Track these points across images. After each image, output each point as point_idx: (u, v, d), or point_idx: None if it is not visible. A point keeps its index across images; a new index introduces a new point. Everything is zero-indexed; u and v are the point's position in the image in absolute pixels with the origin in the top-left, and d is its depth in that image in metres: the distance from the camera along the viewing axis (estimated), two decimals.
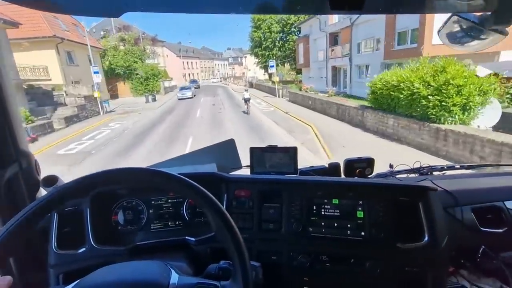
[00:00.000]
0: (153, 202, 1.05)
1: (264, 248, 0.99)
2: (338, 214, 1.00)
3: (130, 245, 0.91)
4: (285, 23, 33.83)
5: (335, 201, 1.01)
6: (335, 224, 0.99)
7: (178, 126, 13.47)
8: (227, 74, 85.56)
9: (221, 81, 66.73)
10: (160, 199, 1.05)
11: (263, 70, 41.03)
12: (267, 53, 36.41)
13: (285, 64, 37.41)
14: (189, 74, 66.02)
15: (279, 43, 35.96)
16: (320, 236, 0.99)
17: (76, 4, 0.72)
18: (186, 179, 0.54)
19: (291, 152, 1.17)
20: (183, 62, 63.83)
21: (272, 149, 1.18)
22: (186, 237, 0.95)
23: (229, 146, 1.35)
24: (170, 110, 19.79)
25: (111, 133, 13.02)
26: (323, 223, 1.00)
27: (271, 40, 35.53)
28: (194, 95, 29.71)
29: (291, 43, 34.56)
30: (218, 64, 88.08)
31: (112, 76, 31.83)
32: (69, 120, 15.61)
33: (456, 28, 0.72)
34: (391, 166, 1.31)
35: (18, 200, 0.88)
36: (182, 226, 1.05)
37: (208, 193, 0.55)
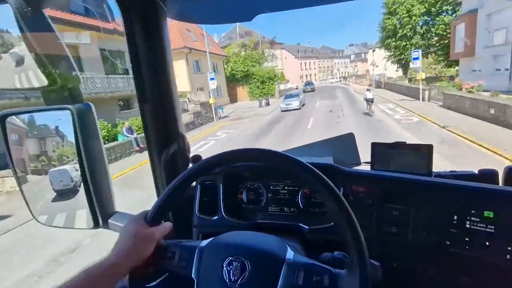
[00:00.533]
0: (271, 187, 1.10)
1: (383, 251, 0.86)
2: (492, 231, 0.76)
3: (252, 221, 1.00)
4: (433, 1, 25.84)
5: (488, 213, 0.77)
6: (487, 243, 0.76)
7: (282, 141, 10.95)
8: (348, 72, 78.16)
9: (340, 81, 61.14)
10: (278, 185, 1.10)
11: (396, 66, 33.47)
12: (404, 43, 29.10)
13: (428, 56, 28.89)
14: (306, 75, 63.82)
15: (421, 29, 28.00)
16: (462, 254, 0.79)
17: (215, 14, 1.01)
18: (310, 166, 0.55)
19: (425, 151, 0.96)
20: (301, 63, 62.19)
21: (400, 146, 1.02)
22: (300, 224, 0.96)
23: (348, 140, 1.28)
24: (279, 118, 17.80)
25: (216, 145, 11.97)
26: (467, 239, 0.79)
27: (410, 26, 28.10)
28: (303, 104, 22.61)
29: (440, 26, 26.04)
30: (338, 63, 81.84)
31: (232, 81, 33.30)
32: (186, 128, 15.89)
33: None
34: None
35: (175, 170, 1.04)
36: (296, 213, 1.06)
37: (332, 184, 0.54)
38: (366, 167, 1.09)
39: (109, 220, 0.86)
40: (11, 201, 7.95)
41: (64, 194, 0.85)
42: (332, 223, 0.87)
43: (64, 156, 0.82)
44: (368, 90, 14.92)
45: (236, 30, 39.41)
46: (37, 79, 0.74)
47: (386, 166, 1.03)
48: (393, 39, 29.63)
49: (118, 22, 1.02)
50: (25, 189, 0.86)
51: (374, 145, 1.06)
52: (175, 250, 0.63)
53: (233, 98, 33.66)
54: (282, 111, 20.51)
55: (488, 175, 1.03)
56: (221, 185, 1.06)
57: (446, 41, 25.20)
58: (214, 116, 19.93)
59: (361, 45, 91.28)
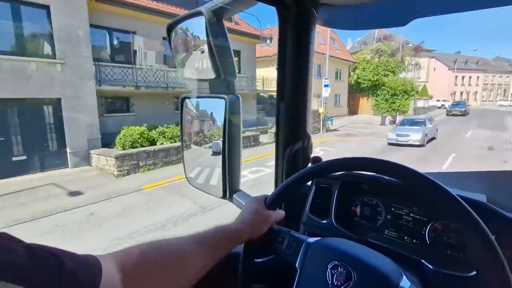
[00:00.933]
0: (393, 209, 0.99)
1: None
2: None
3: (362, 238, 0.93)
4: None
5: None
6: None
7: None
8: None
9: None
10: (402, 209, 0.97)
11: None
12: None
13: None
14: (461, 93, 49.79)
15: None
16: None
17: (366, 19, 1.02)
18: (461, 200, 0.48)
19: None
20: (456, 77, 48.97)
21: None
22: (423, 260, 0.83)
23: (510, 178, 1.14)
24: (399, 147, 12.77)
25: None
26: None
27: None
28: (432, 139, 14.33)
29: None
30: None
31: (356, 90, 29.46)
32: None
33: None
34: None
35: (297, 167, 1.08)
36: (419, 247, 0.91)
37: (485, 227, 0.46)
38: None
39: (234, 195, 0.99)
40: (105, 176, 8.77)
41: (216, 154, 1.04)
42: (474, 273, 0.70)
43: (212, 136, 1.09)
44: None
45: (374, 34, 34.62)
46: (208, 73, 0.97)
47: None
48: None
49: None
50: (185, 155, 1.18)
51: None
52: (285, 237, 0.67)
53: (353, 110, 29.83)
54: (390, 143, 13.40)
55: None
56: (336, 191, 1.03)
57: None
58: (321, 127, 17.59)
59: None
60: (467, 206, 0.48)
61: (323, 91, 17.27)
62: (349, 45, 37.97)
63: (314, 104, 19.16)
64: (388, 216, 0.97)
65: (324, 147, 12.88)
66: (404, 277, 0.55)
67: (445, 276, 0.77)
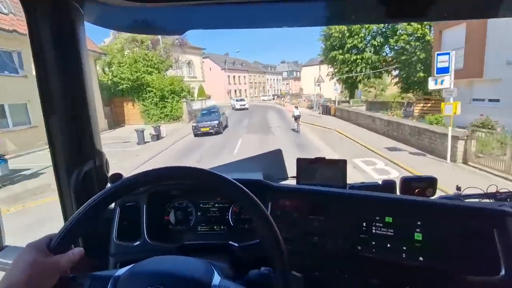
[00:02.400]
0: (201, 205, 1.08)
1: (307, 262, 0.95)
2: (392, 234, 0.90)
3: (179, 244, 0.96)
4: None
5: (388, 219, 0.91)
6: (388, 245, 0.90)
7: None
8: (281, 90, 73.07)
9: (273, 98, 52.51)
10: (208, 203, 1.08)
11: (341, 86, 26.84)
12: (353, 57, 22.38)
13: (385, 75, 22.77)
14: (235, 91, 54.52)
15: (376, 41, 21.66)
16: (370, 257, 0.91)
17: (139, 24, 0.96)
18: (239, 184, 0.56)
19: (340, 165, 1.11)
20: (229, 76, 52.65)
21: (320, 161, 1.13)
22: (230, 242, 0.97)
23: (276, 156, 1.35)
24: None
25: None
26: (374, 243, 0.91)
27: (362, 35, 21.43)
28: (226, 126, 17.38)
29: (402, 37, 19.77)
30: (271, 79, 72.37)
31: (116, 93, 21.23)
32: None
33: None
34: (458, 188, 1.16)
35: (90, 192, 0.93)
36: (226, 231, 1.07)
37: (258, 201, 0.55)
38: (293, 182, 1.15)
39: None
40: None
41: None
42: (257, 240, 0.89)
43: None
44: (296, 107, 15.67)
45: None
46: None
47: (310, 180, 1.11)
48: (340, 51, 22.69)
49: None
50: None
51: (299, 161, 1.13)
52: (84, 282, 0.53)
53: (118, 120, 21.52)
54: (195, 135, 15.16)
55: (388, 185, 1.15)
56: (144, 206, 1.00)
57: (407, 56, 19.03)
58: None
59: (293, 63, 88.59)
60: (242, 187, 0.55)
61: None
62: (111, 37, 28.61)
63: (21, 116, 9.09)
64: (198, 213, 1.07)
65: None
66: (215, 273, 0.56)
67: (247, 248, 0.92)
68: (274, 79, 71.14)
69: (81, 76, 0.91)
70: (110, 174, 1.03)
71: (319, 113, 21.96)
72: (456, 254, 0.84)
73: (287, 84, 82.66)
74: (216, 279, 0.55)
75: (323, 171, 1.11)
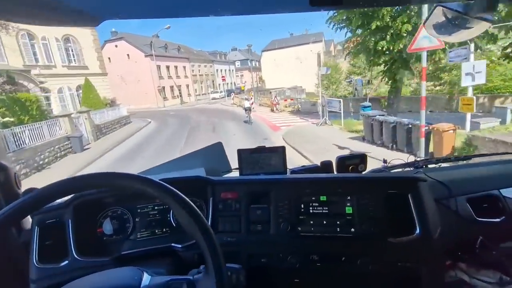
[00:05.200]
0: (139, 210, 1.03)
1: (253, 251, 0.99)
2: (327, 211, 0.98)
3: (115, 255, 0.90)
4: None
5: (323, 198, 0.98)
6: (324, 222, 0.97)
7: None
8: (235, 84, 58.20)
9: (228, 96, 34.22)
10: (147, 207, 1.03)
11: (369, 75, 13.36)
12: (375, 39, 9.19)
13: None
14: (171, 87, 38.59)
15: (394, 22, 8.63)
16: (309, 235, 0.97)
17: (44, 14, 0.74)
18: (157, 180, 0.53)
19: (280, 152, 1.15)
20: (159, 67, 34.83)
21: (260, 150, 1.16)
22: (172, 244, 0.94)
23: (217, 150, 1.34)
24: None
25: None
26: (312, 222, 0.98)
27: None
28: None
29: None
30: (222, 70, 53.41)
31: None
32: None
33: (442, 18, 0.71)
34: (385, 161, 1.30)
35: None
36: (169, 233, 1.03)
37: (183, 196, 0.53)
38: (237, 173, 1.17)
39: None
40: None
41: None
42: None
43: None
44: (247, 99, 16.25)
45: None
46: None
47: (253, 169, 1.15)
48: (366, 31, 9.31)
49: None
50: None
51: (240, 152, 1.15)
52: None
53: None
54: None
55: (326, 166, 1.22)
56: (69, 221, 0.92)
57: None
58: None
59: (246, 51, 74.26)
60: (167, 186, 0.52)
61: None
62: None
63: None
64: (136, 219, 1.00)
65: None
66: (145, 275, 0.55)
67: (191, 247, 0.90)
68: (225, 70, 55.38)
69: None
70: (23, 189, 0.96)
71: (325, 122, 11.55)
72: (381, 221, 0.93)
73: (241, 76, 67.97)
74: (146, 279, 0.54)
75: (264, 159, 1.15)
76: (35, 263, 0.86)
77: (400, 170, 1.24)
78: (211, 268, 0.50)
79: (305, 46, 40.69)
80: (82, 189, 0.55)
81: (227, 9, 0.73)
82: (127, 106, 23.59)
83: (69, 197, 0.89)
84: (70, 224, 0.90)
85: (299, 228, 0.97)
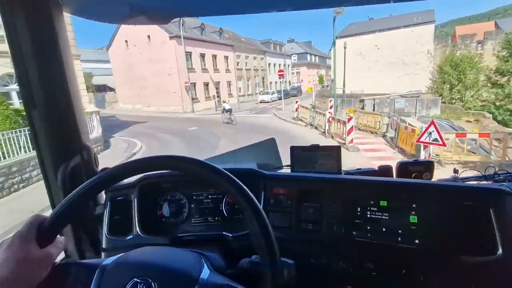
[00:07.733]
0: (194, 197, 1.08)
1: (302, 249, 0.96)
2: (387, 218, 0.91)
3: (172, 236, 0.97)
4: None
5: (383, 203, 0.92)
6: (383, 229, 0.91)
7: None
8: (289, 83, 46.38)
9: (295, 106, 16.43)
10: (201, 194, 1.08)
11: None
12: None
13: None
14: (206, 86, 27.92)
15: None
16: (365, 242, 0.92)
17: (125, 12, 0.93)
18: (226, 171, 0.55)
19: (334, 151, 1.10)
20: (190, 55, 24.45)
21: (314, 148, 1.13)
22: (224, 233, 0.97)
23: (270, 145, 1.35)
24: None
25: None
26: (369, 227, 0.92)
27: None
28: None
29: None
30: (276, 64, 40.57)
31: None
32: None
33: None
34: (455, 171, 1.16)
35: (79, 186, 0.92)
36: (221, 222, 1.07)
37: (246, 189, 0.55)
38: (288, 170, 1.15)
39: None
40: None
41: None
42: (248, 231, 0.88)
43: None
44: (224, 102, 17.81)
45: None
46: None
47: (304, 168, 1.11)
48: None
49: None
50: None
51: (293, 149, 1.13)
52: (71, 270, 0.54)
53: None
54: None
55: (385, 170, 1.17)
56: (135, 200, 1.00)
57: None
58: None
59: (304, 44, 61.83)
60: (232, 177, 0.54)
61: None
62: None
63: None
64: (192, 206, 1.07)
65: None
66: (205, 267, 0.56)
67: (241, 237, 0.92)
68: (281, 65, 43.69)
69: (62, 68, 0.88)
70: (99, 168, 1.02)
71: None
72: (452, 235, 0.84)
73: (297, 73, 55.75)
74: (205, 273, 0.54)
75: (318, 158, 1.11)
76: (106, 234, 0.95)
77: (474, 182, 1.08)
78: (266, 260, 0.51)
79: (405, 30, 27.04)
80: (148, 169, 0.57)
81: (290, 4, 0.79)
82: (146, 107, 21.55)
83: (136, 178, 0.96)
84: (135, 203, 0.98)
85: (354, 233, 0.92)
